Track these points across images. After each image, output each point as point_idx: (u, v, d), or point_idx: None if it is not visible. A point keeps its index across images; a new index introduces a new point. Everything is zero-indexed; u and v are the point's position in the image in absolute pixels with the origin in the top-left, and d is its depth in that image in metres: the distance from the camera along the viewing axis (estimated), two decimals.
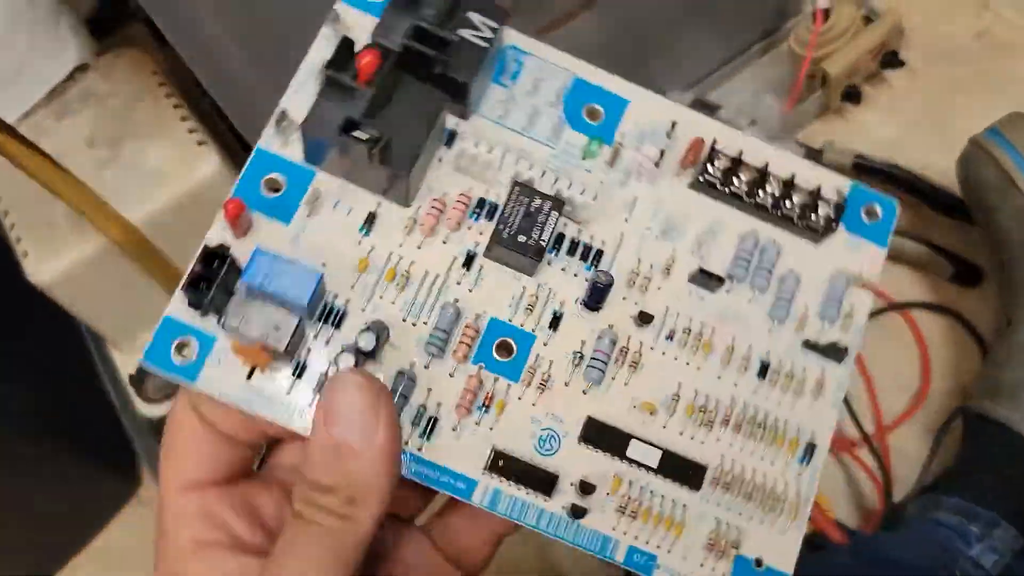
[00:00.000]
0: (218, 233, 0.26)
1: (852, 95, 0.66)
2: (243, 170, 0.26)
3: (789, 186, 0.28)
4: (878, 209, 0.30)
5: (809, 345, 0.28)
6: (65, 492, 0.63)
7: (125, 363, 0.60)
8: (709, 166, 0.28)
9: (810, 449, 0.28)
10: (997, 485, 0.49)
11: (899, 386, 0.59)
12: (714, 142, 0.28)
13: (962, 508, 0.48)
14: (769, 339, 0.28)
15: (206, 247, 0.25)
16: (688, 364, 0.27)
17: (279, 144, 0.27)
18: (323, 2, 0.27)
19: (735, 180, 0.28)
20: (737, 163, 0.28)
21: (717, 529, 0.27)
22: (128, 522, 0.65)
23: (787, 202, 0.28)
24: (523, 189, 0.27)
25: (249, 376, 0.25)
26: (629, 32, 0.59)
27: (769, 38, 0.71)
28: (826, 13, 0.63)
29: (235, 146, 0.59)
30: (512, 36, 0.29)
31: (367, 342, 0.25)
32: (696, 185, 0.28)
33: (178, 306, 0.25)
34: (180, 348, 0.25)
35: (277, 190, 0.26)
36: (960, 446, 0.54)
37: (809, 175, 0.29)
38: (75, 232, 0.52)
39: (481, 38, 0.26)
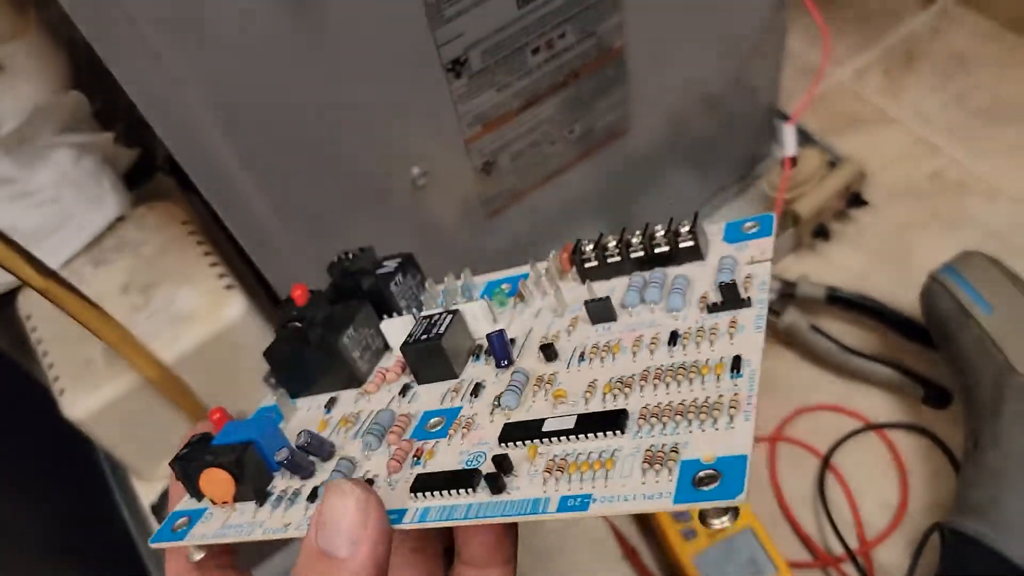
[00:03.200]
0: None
1: (822, 232, 0.72)
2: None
3: (648, 233, 0.31)
4: (757, 224, 0.31)
5: (713, 308, 0.28)
6: None
7: (147, 492, 0.63)
8: (581, 255, 0.32)
9: (738, 363, 0.25)
10: None
11: (880, 503, 0.63)
12: (578, 240, 0.32)
13: None
14: (673, 322, 0.28)
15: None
16: (602, 366, 0.28)
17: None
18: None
19: (605, 253, 0.31)
20: (600, 243, 0.32)
21: (652, 449, 0.24)
22: None
23: (654, 240, 0.30)
24: (425, 316, 0.32)
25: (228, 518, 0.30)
26: (616, 178, 0.65)
27: (744, 180, 0.78)
28: (794, 160, 0.70)
29: (259, 288, 0.64)
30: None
31: (304, 439, 0.29)
32: (582, 275, 0.32)
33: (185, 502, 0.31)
34: (175, 525, 0.31)
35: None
36: (939, 562, 0.57)
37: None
38: (110, 370, 0.56)
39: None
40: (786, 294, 0.69)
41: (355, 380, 0.33)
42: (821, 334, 0.67)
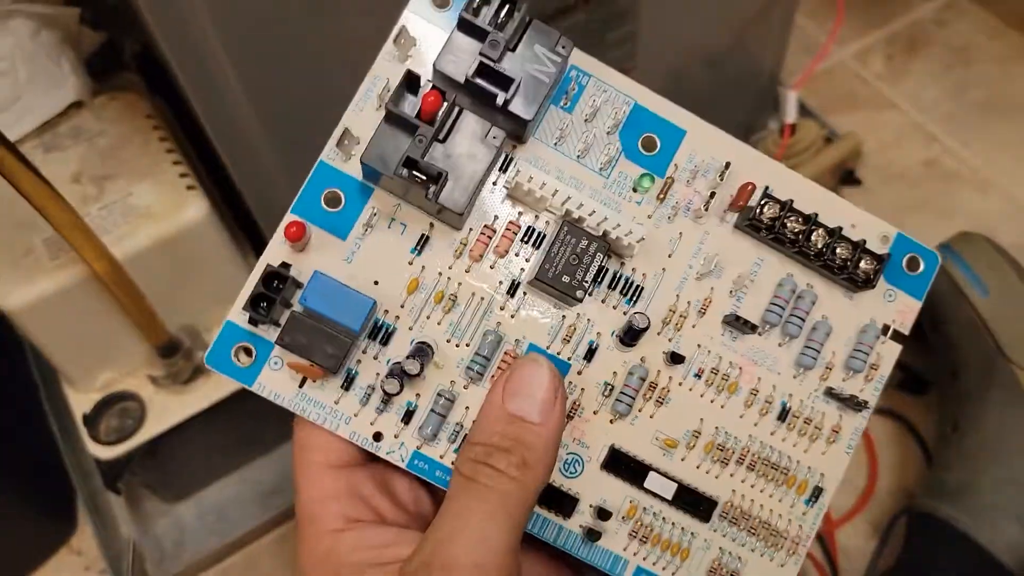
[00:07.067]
0: (277, 250, 0.27)
1: None
2: (304, 184, 0.27)
3: (835, 237, 0.28)
4: (920, 261, 0.29)
5: (832, 394, 0.29)
6: None
7: (80, 402, 0.58)
8: (759, 211, 0.27)
9: (817, 492, 0.29)
10: None
11: (846, 483, 0.61)
12: (767, 188, 0.28)
13: None
14: (793, 384, 0.29)
15: (267, 267, 0.26)
16: (712, 402, 0.28)
17: (340, 160, 0.27)
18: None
19: (783, 227, 0.27)
20: (787, 210, 0.28)
21: (720, 558, 0.28)
22: (57, 570, 0.62)
23: (832, 254, 0.28)
24: (572, 229, 0.27)
25: (301, 385, 0.27)
26: None
27: None
28: (793, 128, 0.67)
29: (219, 198, 0.60)
30: (576, 56, 0.28)
31: (413, 368, 0.26)
32: (742, 228, 0.28)
33: (238, 316, 0.26)
34: (239, 353, 0.27)
35: (336, 205, 0.27)
36: (903, 545, 0.55)
37: (857, 219, 0.29)
38: (52, 262, 0.52)
39: (545, 73, 0.26)
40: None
41: (457, 224, 0.27)
42: None
